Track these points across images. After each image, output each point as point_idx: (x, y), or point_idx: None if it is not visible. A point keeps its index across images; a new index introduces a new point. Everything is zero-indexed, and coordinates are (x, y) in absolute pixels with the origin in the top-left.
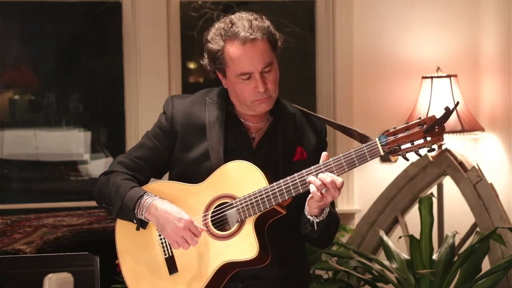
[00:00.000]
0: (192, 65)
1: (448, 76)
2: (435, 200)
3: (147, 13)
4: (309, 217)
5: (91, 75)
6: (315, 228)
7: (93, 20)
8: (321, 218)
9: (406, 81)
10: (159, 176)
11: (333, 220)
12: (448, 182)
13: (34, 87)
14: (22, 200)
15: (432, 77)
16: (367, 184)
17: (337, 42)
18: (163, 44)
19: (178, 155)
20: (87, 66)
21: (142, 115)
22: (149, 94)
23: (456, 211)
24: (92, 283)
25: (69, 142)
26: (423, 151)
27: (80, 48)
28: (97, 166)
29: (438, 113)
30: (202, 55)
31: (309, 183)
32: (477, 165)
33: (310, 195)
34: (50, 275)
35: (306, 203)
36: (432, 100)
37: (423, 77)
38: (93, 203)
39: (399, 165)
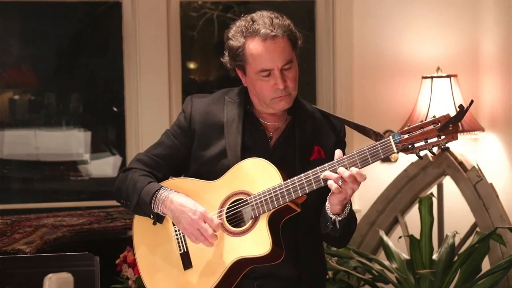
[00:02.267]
0: (192, 65)
1: (448, 76)
2: (435, 200)
3: (147, 13)
4: (331, 215)
5: (91, 75)
6: (337, 227)
7: (93, 20)
8: (343, 216)
9: (406, 81)
10: (177, 175)
11: (353, 219)
12: (448, 182)
13: (34, 87)
14: (22, 200)
15: (432, 77)
16: (367, 184)
17: (337, 42)
18: (163, 44)
19: (196, 153)
20: (87, 66)
21: (142, 115)
22: (149, 94)
23: (456, 211)
24: (92, 283)
25: (69, 142)
26: (436, 150)
27: (80, 48)
28: (97, 166)
29: (438, 113)
30: (201, 55)
31: (325, 178)
32: (477, 165)
33: (330, 192)
34: (50, 275)
35: (328, 201)
36: (432, 100)
37: (423, 77)
38: (93, 203)
39: (399, 165)
